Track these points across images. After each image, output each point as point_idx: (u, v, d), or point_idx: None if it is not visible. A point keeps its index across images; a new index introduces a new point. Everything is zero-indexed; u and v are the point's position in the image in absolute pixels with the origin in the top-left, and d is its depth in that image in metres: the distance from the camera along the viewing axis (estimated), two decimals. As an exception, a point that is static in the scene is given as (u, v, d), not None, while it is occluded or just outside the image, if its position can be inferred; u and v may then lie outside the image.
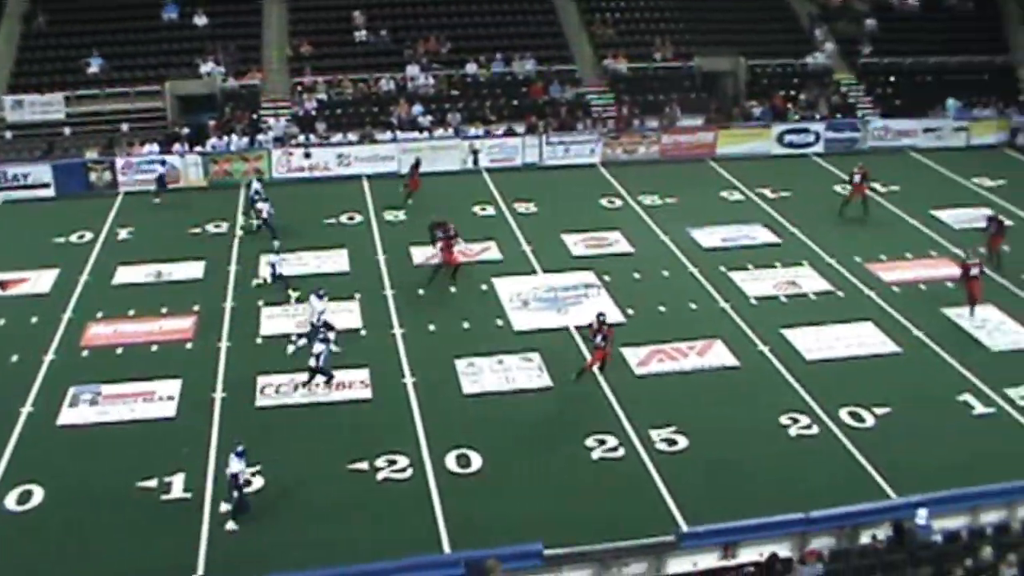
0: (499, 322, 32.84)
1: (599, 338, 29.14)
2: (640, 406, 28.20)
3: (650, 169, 47.17)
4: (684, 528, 23.06)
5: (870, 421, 27.93)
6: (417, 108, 49.06)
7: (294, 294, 34.16)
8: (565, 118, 49.50)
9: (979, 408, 28.83)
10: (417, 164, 43.19)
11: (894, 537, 21.38)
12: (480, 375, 29.73)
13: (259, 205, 39.65)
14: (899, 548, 21.42)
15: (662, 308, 33.56)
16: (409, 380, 29.44)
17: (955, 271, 36.07)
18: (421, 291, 34.54)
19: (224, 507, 24.13)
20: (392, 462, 25.61)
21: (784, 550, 22.12)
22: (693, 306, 34.01)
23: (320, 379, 28.90)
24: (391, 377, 29.58)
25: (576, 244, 38.59)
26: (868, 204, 42.22)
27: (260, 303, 33.79)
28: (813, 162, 49.73)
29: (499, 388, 29.17)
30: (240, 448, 24.08)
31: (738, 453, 26.45)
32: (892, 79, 55.59)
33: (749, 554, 22.05)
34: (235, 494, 23.91)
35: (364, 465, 25.53)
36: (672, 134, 49.57)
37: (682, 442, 26.75)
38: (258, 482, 24.98)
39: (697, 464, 25.96)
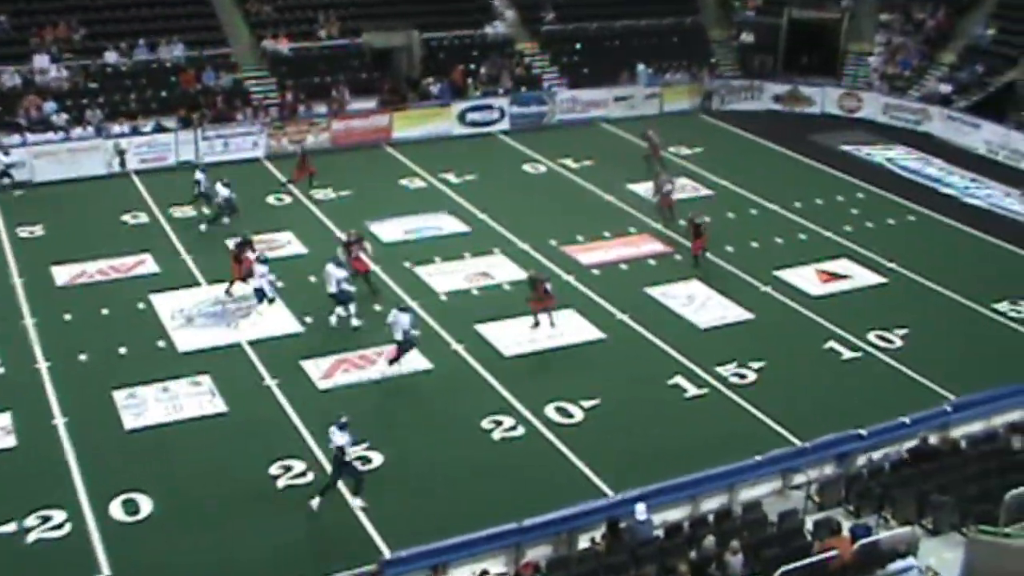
0: (161, 344, 31.97)
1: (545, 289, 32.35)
2: (328, 424, 27.56)
3: (321, 159, 46.78)
4: (387, 555, 22.95)
5: (579, 416, 28.66)
6: (49, 105, 47.07)
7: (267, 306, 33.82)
8: (222, 108, 48.67)
9: (692, 390, 30.12)
10: (304, 154, 43.93)
11: (610, 537, 21.89)
12: (143, 407, 28.81)
13: (219, 188, 40.21)
14: (619, 548, 21.94)
15: (342, 313, 33.44)
16: (60, 421, 28.20)
17: (658, 247, 37.63)
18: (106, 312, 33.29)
19: (316, 503, 24.89)
20: (46, 519, 24.41)
21: (498, 565, 22.35)
22: (377, 308, 33.99)
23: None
24: (38, 420, 28.24)
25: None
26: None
27: None
28: (499, 140, 50.81)
29: (167, 419, 28.35)
30: (343, 420, 24.83)
31: (439, 464, 26.63)
32: (578, 46, 57.31)
33: (462, 574, 22.15)
34: (340, 470, 24.92)
35: (11, 527, 24.16)
36: (343, 119, 49.65)
37: (377, 459, 26.70)
38: None
39: (395, 482, 25.96)
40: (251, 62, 52.13)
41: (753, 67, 58.82)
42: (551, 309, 32.75)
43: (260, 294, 33.80)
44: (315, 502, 24.87)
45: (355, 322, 33.01)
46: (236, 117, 48.61)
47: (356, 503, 25.10)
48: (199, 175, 41.51)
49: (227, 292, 34.68)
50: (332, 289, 33.05)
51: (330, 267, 33.19)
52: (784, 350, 32.27)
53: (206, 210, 41.01)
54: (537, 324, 32.72)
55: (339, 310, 33.13)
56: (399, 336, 30.38)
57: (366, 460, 26.57)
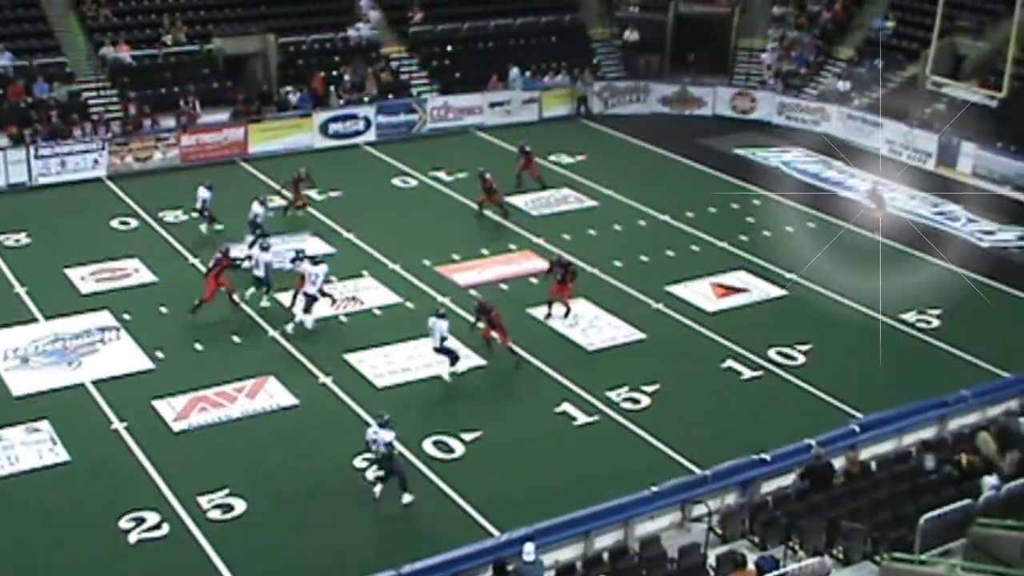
0: (-8, 388, 31.43)
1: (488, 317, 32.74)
2: (183, 469, 27.61)
3: (170, 178, 46.45)
4: (251, 610, 22.81)
5: (460, 450, 28.64)
6: None
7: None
8: (57, 124, 47.86)
9: (581, 418, 30.25)
10: (299, 178, 43.36)
11: (495, 581, 21.88)
12: (-27, 459, 28.28)
13: (255, 206, 39.81)
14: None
15: (199, 346, 33.15)
16: None
17: (540, 264, 37.80)
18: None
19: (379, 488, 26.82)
20: None
21: (375, 618, 22.24)
22: (236, 339, 33.82)
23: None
24: None
25: (85, 279, 37.46)
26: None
27: None
28: (365, 153, 50.75)
29: (0, 472, 27.67)
30: (385, 417, 26.67)
31: (308, 510, 26.46)
32: (449, 49, 57.43)
33: (333, 629, 22.05)
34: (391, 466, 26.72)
35: None
36: (193, 134, 49.11)
37: (239, 506, 26.39)
38: None
39: (260, 530, 25.72)
40: (88, 72, 51.32)
41: (638, 67, 59.35)
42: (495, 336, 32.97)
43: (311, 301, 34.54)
44: (407, 498, 26.60)
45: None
46: (73, 133, 47.76)
47: (406, 499, 26.51)
48: (205, 192, 41.08)
49: (233, 303, 35.49)
50: (312, 290, 34.29)
51: (306, 265, 34.68)
52: (679, 371, 32.54)
53: (204, 228, 41.11)
54: (515, 356, 32.94)
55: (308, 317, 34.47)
56: (436, 343, 31.38)
57: (227, 508, 26.28)
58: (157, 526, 25.78)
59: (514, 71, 55.70)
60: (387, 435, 26.36)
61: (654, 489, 25.23)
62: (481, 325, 32.94)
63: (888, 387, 31.26)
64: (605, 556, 23.63)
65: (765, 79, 57.92)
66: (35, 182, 45.89)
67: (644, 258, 39.52)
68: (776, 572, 21.11)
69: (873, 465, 26.76)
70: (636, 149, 51.92)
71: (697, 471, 26.95)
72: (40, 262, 38.66)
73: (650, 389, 31.42)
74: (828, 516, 23.68)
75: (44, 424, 29.49)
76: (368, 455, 27.78)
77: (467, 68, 56.15)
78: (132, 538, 25.40)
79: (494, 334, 32.72)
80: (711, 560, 22.82)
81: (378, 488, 26.71)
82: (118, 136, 48.19)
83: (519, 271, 38.34)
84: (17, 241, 40.62)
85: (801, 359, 33.29)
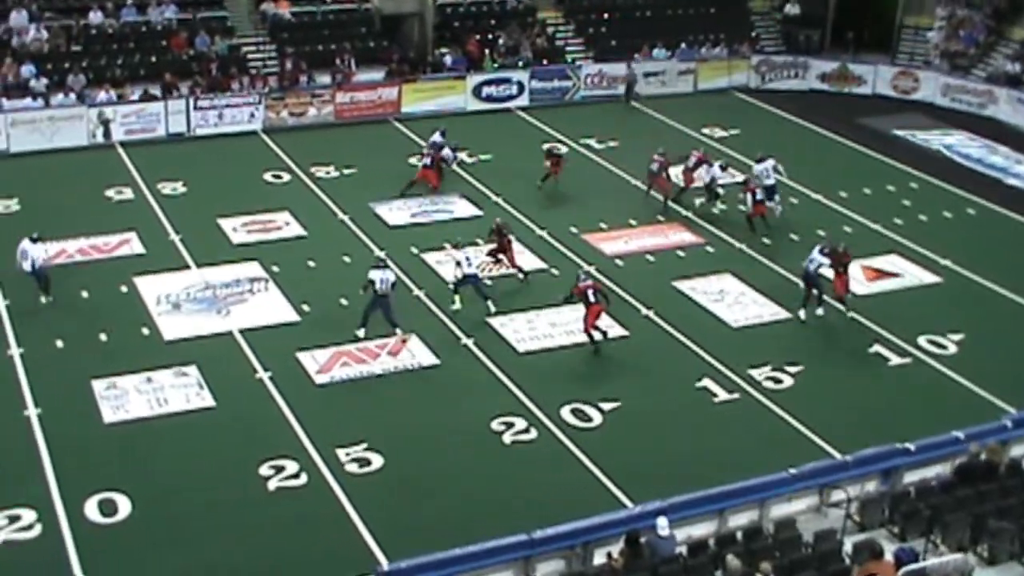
0: (145, 331, 32.06)
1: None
2: (324, 422, 28.08)
3: (323, 134, 47.16)
4: (385, 565, 22.90)
5: (597, 419, 28.66)
6: (28, 68, 47.18)
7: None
8: (217, 77, 48.72)
9: (722, 394, 30.07)
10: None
11: (628, 553, 21.88)
12: (125, 399, 28.90)
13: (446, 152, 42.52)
14: (638, 566, 21.94)
15: (344, 301, 33.42)
16: (33, 412, 28.30)
17: (688, 237, 37.59)
18: (44, 299, 33.21)
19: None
20: (14, 518, 24.43)
21: (506, 580, 22.41)
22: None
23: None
24: (8, 410, 28.32)
25: (236, 230, 38.18)
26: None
27: None
28: (517, 117, 50.90)
29: (149, 413, 28.41)
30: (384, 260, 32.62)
31: (444, 469, 26.68)
32: (605, 16, 57.28)
33: (464, 590, 22.18)
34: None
35: (-23, 527, 24.40)
36: (348, 91, 49.63)
37: (377, 461, 26.74)
38: None
39: (396, 486, 26.01)
40: (249, 26, 52.25)
41: (798, 42, 58.66)
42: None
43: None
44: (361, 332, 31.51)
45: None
46: (231, 86, 48.60)
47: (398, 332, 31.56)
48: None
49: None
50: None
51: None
52: (825, 353, 32.27)
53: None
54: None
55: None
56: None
57: (365, 462, 26.67)
58: (296, 475, 26.24)
59: (656, 51, 55.31)
60: (390, 275, 31.53)
61: (792, 471, 24.97)
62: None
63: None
64: (739, 535, 23.48)
65: (930, 59, 56.88)
66: (193, 133, 46.86)
67: (794, 236, 39.04)
68: (916, 565, 20.76)
69: (1025, 463, 26.26)
70: (791, 126, 51.39)
71: (838, 456, 26.65)
72: (194, 211, 39.49)
73: (794, 370, 31.15)
74: (974, 512, 23.24)
75: (192, 369, 30.15)
76: (501, 420, 28.29)
77: (622, 36, 55.92)
78: (271, 485, 25.90)
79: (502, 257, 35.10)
80: (847, 547, 22.51)
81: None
82: (275, 91, 48.90)
83: (666, 243, 38.17)
84: (174, 190, 41.51)
85: (953, 348, 32.68)
